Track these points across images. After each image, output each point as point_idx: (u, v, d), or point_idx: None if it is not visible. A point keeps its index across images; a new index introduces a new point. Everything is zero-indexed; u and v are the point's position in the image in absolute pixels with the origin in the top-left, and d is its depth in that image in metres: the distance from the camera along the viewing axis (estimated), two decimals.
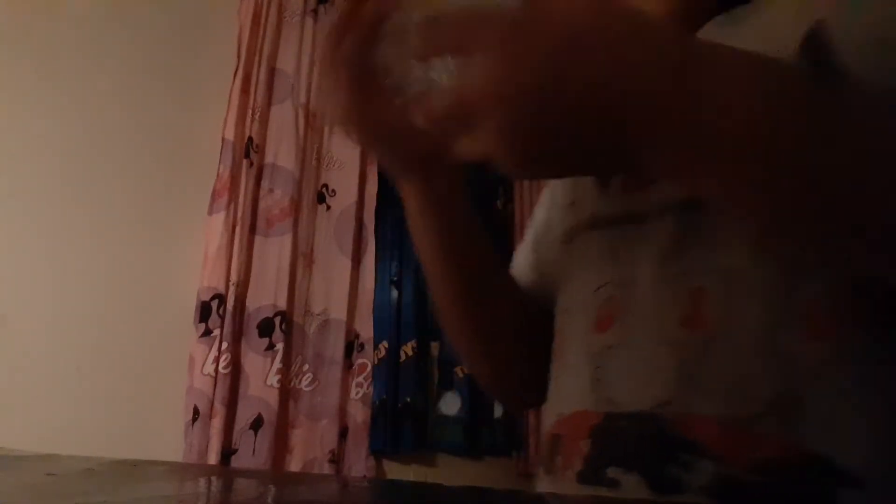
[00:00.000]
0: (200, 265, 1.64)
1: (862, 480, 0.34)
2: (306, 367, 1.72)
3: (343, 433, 1.74)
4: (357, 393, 1.72)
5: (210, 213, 1.64)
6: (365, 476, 1.68)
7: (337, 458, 1.70)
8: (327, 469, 1.66)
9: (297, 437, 1.68)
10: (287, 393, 1.68)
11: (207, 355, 1.57)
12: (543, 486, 0.48)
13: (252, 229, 1.70)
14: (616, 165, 0.37)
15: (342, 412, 1.73)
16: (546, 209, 0.64)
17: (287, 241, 1.73)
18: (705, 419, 0.38)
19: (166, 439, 1.53)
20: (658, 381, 0.41)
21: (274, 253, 1.71)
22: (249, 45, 1.78)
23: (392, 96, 0.38)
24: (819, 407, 0.36)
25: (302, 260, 1.76)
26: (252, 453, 1.58)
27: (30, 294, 1.44)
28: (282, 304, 1.69)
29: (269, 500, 0.34)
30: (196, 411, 1.54)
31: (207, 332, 1.59)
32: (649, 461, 0.39)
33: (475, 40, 0.31)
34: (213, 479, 0.50)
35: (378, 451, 1.69)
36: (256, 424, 1.60)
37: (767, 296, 0.39)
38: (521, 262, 0.66)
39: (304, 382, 1.71)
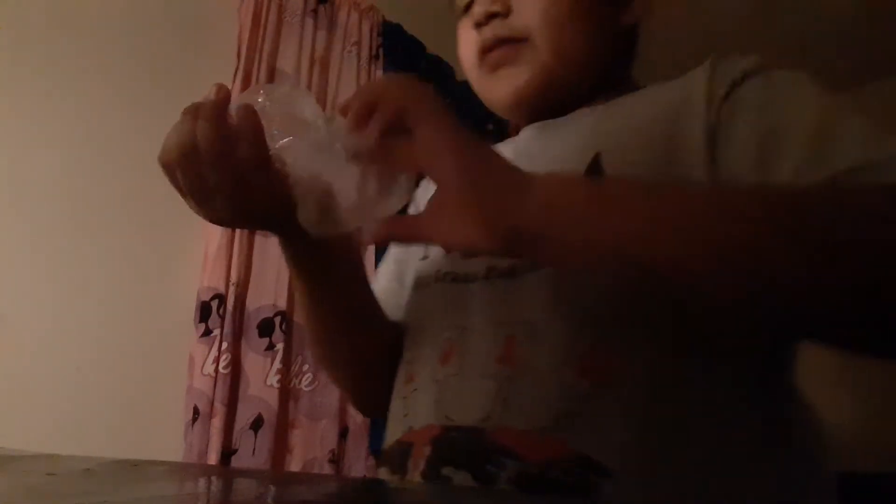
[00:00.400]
0: (200, 265, 1.64)
1: (609, 471, 0.46)
2: (306, 367, 1.72)
3: (343, 433, 1.74)
4: None
5: None
6: (365, 476, 1.68)
7: (337, 458, 1.70)
8: (327, 469, 1.66)
9: (297, 437, 1.67)
10: (287, 393, 1.68)
11: (207, 355, 1.57)
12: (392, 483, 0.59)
13: (252, 229, 1.70)
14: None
15: (342, 412, 1.73)
16: (402, 251, 0.79)
17: None
18: (512, 430, 0.51)
19: (166, 439, 1.53)
20: (481, 402, 0.53)
21: (274, 253, 1.71)
22: (249, 45, 1.78)
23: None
24: (587, 422, 0.49)
25: None
26: (252, 453, 1.58)
27: (30, 294, 1.43)
28: (282, 304, 1.69)
29: (269, 500, 0.34)
30: (196, 411, 1.53)
31: (207, 332, 1.59)
32: (473, 462, 0.51)
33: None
34: (213, 479, 0.50)
35: (378, 451, 1.69)
36: (256, 424, 1.60)
37: (554, 343, 0.53)
38: (387, 294, 0.77)
39: (304, 382, 1.72)
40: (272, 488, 0.39)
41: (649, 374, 0.50)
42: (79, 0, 1.61)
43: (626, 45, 0.70)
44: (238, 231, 1.65)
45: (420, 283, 0.68)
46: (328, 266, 0.64)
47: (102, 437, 1.40)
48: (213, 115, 0.49)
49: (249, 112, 0.49)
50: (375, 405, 0.71)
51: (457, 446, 0.53)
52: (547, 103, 0.66)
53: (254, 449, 1.58)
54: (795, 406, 0.55)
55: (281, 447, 1.65)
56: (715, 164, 0.52)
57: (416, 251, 0.73)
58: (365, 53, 2.06)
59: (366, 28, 2.10)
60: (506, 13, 0.64)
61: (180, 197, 0.54)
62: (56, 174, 1.50)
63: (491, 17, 0.65)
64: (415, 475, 0.54)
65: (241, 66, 1.75)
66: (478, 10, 0.65)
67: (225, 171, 0.49)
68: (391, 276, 0.78)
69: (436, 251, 0.68)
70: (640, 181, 0.47)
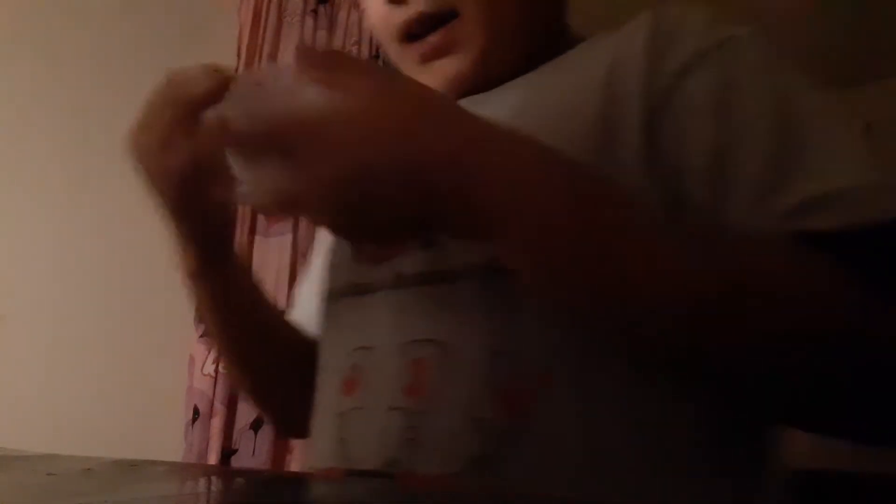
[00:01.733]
0: None
1: None
2: None
3: None
4: None
5: None
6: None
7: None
8: None
9: None
10: None
11: (207, 355, 1.57)
12: None
13: (252, 229, 1.70)
14: (437, 228, 0.39)
15: None
16: (322, 253, 0.68)
17: (287, 241, 1.72)
18: (422, 476, 0.45)
19: (166, 439, 1.53)
20: (387, 442, 0.46)
21: (274, 253, 1.71)
22: (249, 45, 1.78)
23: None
24: (501, 463, 0.43)
25: (302, 260, 1.76)
26: (252, 453, 1.58)
27: (30, 294, 1.43)
28: (282, 304, 1.69)
29: (269, 500, 0.34)
30: (196, 411, 1.53)
31: (208, 332, 1.59)
32: None
33: (287, 140, 0.35)
34: (213, 479, 0.50)
35: None
36: (256, 424, 1.60)
37: (469, 369, 0.45)
38: (303, 307, 0.70)
39: None
40: (272, 488, 0.39)
41: (581, 404, 0.44)
42: (79, 1, 1.61)
43: None
44: (238, 231, 1.65)
45: (327, 297, 0.60)
46: (230, 286, 0.59)
47: (102, 437, 1.40)
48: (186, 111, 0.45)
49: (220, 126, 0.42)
50: (296, 426, 0.64)
51: None
52: (482, 84, 0.56)
53: (254, 449, 1.58)
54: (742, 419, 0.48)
55: (281, 447, 1.64)
56: (652, 165, 0.45)
57: (324, 266, 0.63)
58: (365, 53, 2.06)
59: (366, 28, 2.10)
60: None
61: None
62: (57, 174, 1.50)
63: None
64: None
65: (241, 66, 1.75)
66: None
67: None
68: (309, 288, 0.70)
69: (342, 259, 0.59)
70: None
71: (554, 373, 0.44)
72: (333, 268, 0.60)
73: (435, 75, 0.55)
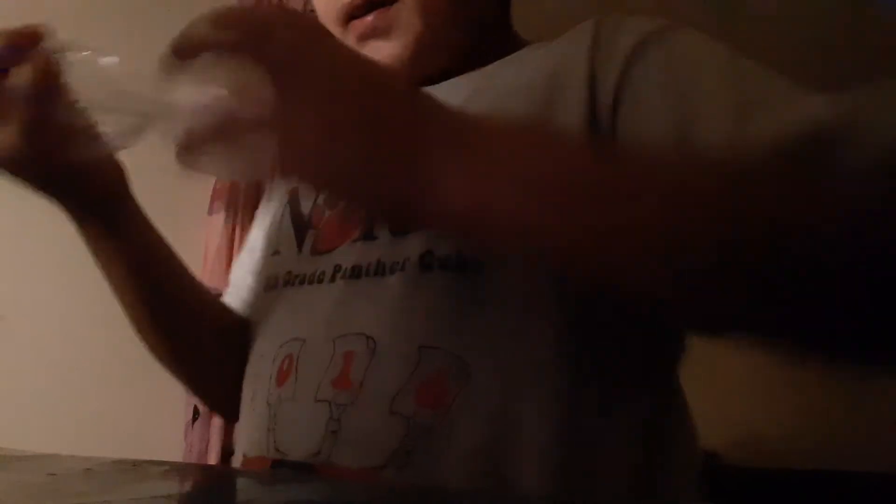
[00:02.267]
0: (200, 265, 1.64)
1: None
2: None
3: None
4: None
5: (210, 213, 1.64)
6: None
7: None
8: None
9: None
10: None
11: None
12: None
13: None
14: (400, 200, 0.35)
15: None
16: (260, 236, 0.67)
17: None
18: (342, 469, 0.45)
19: (166, 439, 1.53)
20: (312, 434, 0.47)
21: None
22: None
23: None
24: (422, 458, 0.43)
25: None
26: None
27: (30, 294, 1.43)
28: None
29: (269, 500, 0.34)
30: (196, 411, 1.53)
31: None
32: None
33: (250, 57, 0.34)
34: (213, 479, 0.50)
35: None
36: None
37: (395, 363, 0.46)
38: (237, 287, 0.68)
39: None
40: (272, 488, 0.39)
41: (502, 399, 0.44)
42: (79, 1, 1.61)
43: None
44: (238, 231, 1.65)
45: (268, 285, 0.60)
46: (125, 239, 0.59)
47: (102, 437, 1.40)
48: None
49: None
50: (221, 405, 0.65)
51: None
52: (419, 74, 0.56)
53: None
54: (676, 403, 0.51)
55: None
56: None
57: (270, 244, 0.63)
58: None
59: None
60: None
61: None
62: None
63: None
64: None
65: None
66: None
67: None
68: (245, 267, 0.69)
69: (287, 247, 0.59)
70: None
71: (474, 368, 0.44)
72: (275, 255, 0.61)
73: (371, 55, 0.52)
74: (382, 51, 0.56)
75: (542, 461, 0.43)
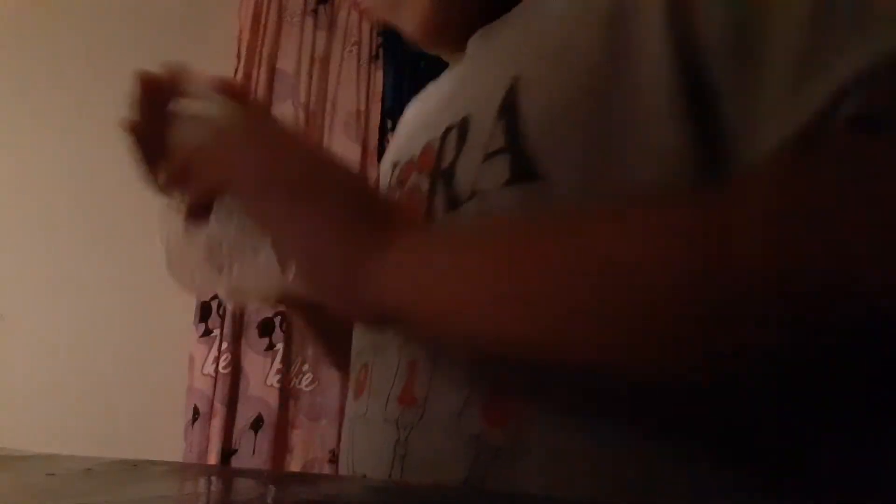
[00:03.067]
0: None
1: None
2: (306, 367, 1.72)
3: None
4: None
5: None
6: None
7: (337, 458, 1.69)
8: (327, 469, 1.66)
9: (297, 437, 1.68)
10: (287, 393, 1.68)
11: (207, 355, 1.57)
12: None
13: None
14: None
15: (342, 412, 1.73)
16: None
17: None
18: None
19: (166, 439, 1.53)
20: (381, 457, 0.43)
21: None
22: (249, 45, 1.78)
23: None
24: (498, 482, 0.37)
25: None
26: (252, 453, 1.58)
27: (30, 294, 1.44)
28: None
29: (269, 500, 0.34)
30: (196, 411, 1.54)
31: (207, 332, 1.59)
32: None
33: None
34: (213, 479, 0.50)
35: None
36: (256, 424, 1.60)
37: (457, 380, 0.40)
38: None
39: (304, 382, 1.72)
40: (272, 488, 0.39)
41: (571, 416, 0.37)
42: (79, 1, 1.61)
43: None
44: None
45: None
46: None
47: (102, 437, 1.40)
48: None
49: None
50: None
51: None
52: (448, 38, 0.52)
53: (254, 449, 1.58)
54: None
55: (281, 447, 1.65)
56: (678, 72, 0.34)
57: None
58: (365, 53, 2.06)
59: (366, 28, 2.10)
60: None
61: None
62: (57, 174, 1.50)
63: None
64: None
65: (241, 66, 1.75)
66: None
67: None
68: None
69: None
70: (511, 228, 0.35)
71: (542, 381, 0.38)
72: None
73: (405, 22, 0.52)
74: (410, 11, 0.51)
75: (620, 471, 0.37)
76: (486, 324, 0.33)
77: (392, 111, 1.95)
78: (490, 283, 0.33)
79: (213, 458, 1.50)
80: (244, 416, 1.60)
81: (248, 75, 1.76)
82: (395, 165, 0.52)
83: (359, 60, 2.04)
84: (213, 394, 1.55)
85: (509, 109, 0.40)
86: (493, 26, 0.49)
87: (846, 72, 0.29)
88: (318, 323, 0.61)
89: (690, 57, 0.34)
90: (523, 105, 0.40)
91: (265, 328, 1.66)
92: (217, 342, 1.59)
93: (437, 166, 0.45)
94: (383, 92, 1.97)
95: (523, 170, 0.38)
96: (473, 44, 0.51)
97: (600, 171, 0.36)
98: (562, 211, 0.36)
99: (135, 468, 0.41)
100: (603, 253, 0.30)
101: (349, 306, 0.38)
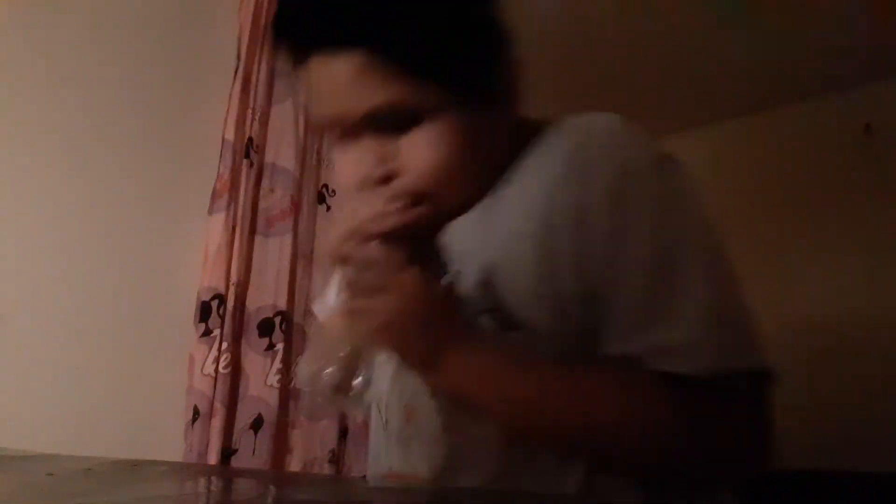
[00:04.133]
0: (200, 265, 1.64)
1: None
2: None
3: (343, 433, 1.73)
4: None
5: (210, 213, 1.64)
6: (365, 476, 1.68)
7: (337, 459, 1.70)
8: (327, 469, 1.66)
9: (297, 437, 1.67)
10: (287, 393, 1.68)
11: (207, 355, 1.57)
12: None
13: (252, 229, 1.70)
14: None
15: (342, 412, 1.73)
16: None
17: (287, 241, 1.72)
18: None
19: (166, 439, 1.53)
20: (433, 466, 0.63)
21: (274, 253, 1.71)
22: (249, 45, 1.78)
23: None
24: (528, 477, 0.61)
25: (302, 260, 1.76)
26: (252, 453, 1.58)
27: (29, 294, 1.43)
28: (282, 304, 1.69)
29: (269, 500, 0.34)
30: (196, 411, 1.53)
31: (207, 332, 1.59)
32: None
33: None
34: (213, 479, 0.50)
35: None
36: (256, 424, 1.60)
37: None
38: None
39: None
40: (272, 488, 0.39)
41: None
42: (79, 1, 1.61)
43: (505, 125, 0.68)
44: (238, 231, 1.65)
45: None
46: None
47: (102, 437, 1.40)
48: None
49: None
50: None
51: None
52: (445, 223, 0.66)
53: (254, 449, 1.58)
54: None
55: (281, 447, 1.64)
56: (580, 300, 0.60)
57: None
58: None
59: None
60: (394, 176, 0.61)
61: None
62: (56, 174, 1.50)
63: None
64: None
65: (241, 66, 1.75)
66: (361, 173, 0.62)
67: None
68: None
69: None
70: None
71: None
72: None
73: None
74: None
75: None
76: (520, 415, 0.59)
77: None
78: (522, 393, 0.58)
79: (213, 458, 1.50)
80: (244, 416, 1.60)
81: (248, 75, 1.76)
82: None
83: None
84: (213, 394, 1.55)
85: (486, 285, 0.63)
86: (465, 223, 0.67)
87: (650, 343, 0.57)
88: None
89: (584, 276, 0.59)
90: (497, 283, 0.62)
91: (265, 328, 1.66)
92: (217, 342, 1.58)
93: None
94: None
95: (508, 324, 0.61)
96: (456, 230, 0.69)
97: (552, 328, 0.60)
98: (562, 359, 0.60)
99: (135, 468, 0.41)
100: (599, 394, 0.58)
101: (429, 378, 0.61)
